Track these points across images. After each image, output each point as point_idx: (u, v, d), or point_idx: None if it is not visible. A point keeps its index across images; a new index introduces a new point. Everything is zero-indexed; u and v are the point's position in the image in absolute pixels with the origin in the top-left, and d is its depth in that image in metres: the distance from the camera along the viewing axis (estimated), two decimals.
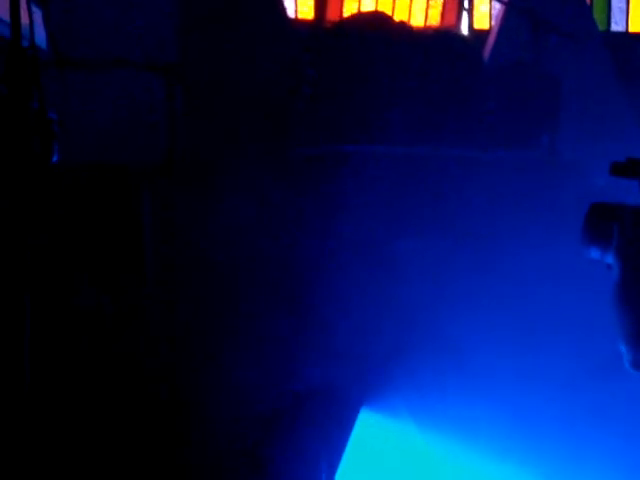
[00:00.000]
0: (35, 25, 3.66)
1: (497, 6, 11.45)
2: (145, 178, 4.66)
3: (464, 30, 14.89)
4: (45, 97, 3.71)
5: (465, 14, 14.79)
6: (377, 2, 14.57)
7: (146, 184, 4.62)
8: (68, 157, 4.45)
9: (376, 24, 6.59)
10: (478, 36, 10.29)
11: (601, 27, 12.64)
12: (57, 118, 3.95)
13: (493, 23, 9.02)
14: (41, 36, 4.25)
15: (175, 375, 4.55)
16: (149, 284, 4.56)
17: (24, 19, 3.58)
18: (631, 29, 14.49)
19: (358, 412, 4.78)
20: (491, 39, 8.44)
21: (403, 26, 7.64)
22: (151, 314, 4.53)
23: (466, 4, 14.68)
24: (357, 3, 14.48)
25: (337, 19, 11.42)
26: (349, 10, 14.38)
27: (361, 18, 8.23)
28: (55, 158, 3.92)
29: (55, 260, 4.26)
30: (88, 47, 5.78)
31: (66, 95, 4.24)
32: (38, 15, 4.25)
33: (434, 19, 14.68)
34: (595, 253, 2.28)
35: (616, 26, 14.42)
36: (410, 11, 14.72)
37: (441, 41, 6.88)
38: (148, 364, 4.46)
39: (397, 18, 14.69)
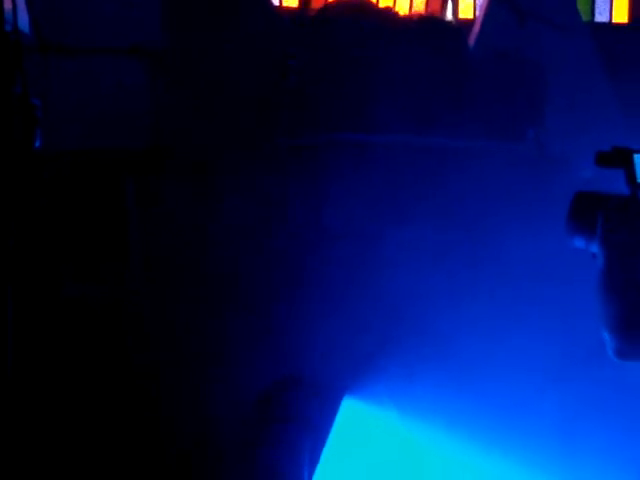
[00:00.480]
0: (18, 10, 3.63)
1: None
2: (129, 165, 4.64)
3: (449, 18, 14.86)
4: (28, 82, 3.68)
5: (450, 3, 14.76)
6: None
7: (130, 171, 4.59)
8: (51, 143, 4.42)
9: (360, 10, 6.57)
10: (462, 26, 10.25)
11: (585, 18, 12.63)
12: (40, 103, 3.91)
13: (477, 13, 9.00)
14: (24, 21, 4.21)
15: (162, 369, 4.53)
16: (135, 274, 4.54)
17: (7, 4, 3.55)
18: (615, 19, 14.50)
19: (341, 401, 4.78)
20: (475, 29, 8.42)
21: (388, 12, 7.61)
22: (138, 306, 4.51)
23: None
24: None
25: (321, 6, 11.37)
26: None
27: (345, 4, 8.20)
28: (38, 144, 3.89)
29: (38, 249, 4.23)
30: (72, 33, 5.73)
31: (49, 81, 4.21)
32: (21, 0, 4.21)
33: (419, 7, 14.64)
34: (580, 242, 2.28)
35: (600, 16, 14.43)
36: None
37: (426, 28, 6.87)
38: (135, 358, 4.44)
39: (382, 3, 14.65)
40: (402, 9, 14.63)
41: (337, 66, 5.80)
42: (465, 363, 4.87)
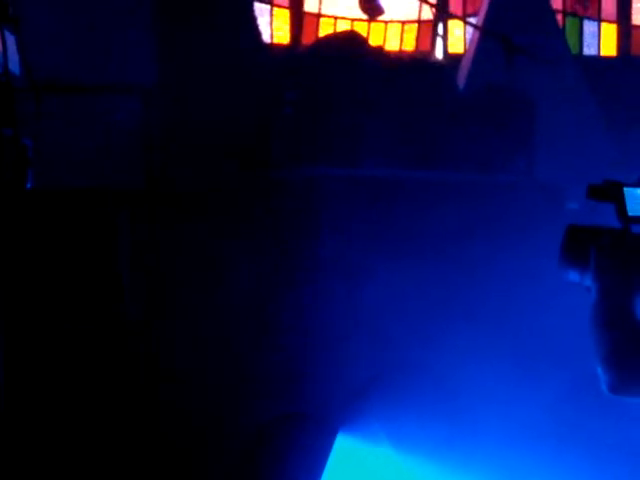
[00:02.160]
0: (8, 51, 3.64)
1: (471, 30, 11.53)
2: (122, 204, 4.63)
3: (439, 54, 14.98)
4: (19, 123, 3.68)
5: (439, 38, 14.87)
6: (352, 26, 14.63)
7: (123, 210, 4.59)
8: (43, 183, 4.42)
9: (352, 44, 6.61)
10: (453, 60, 10.34)
11: (573, 51, 12.73)
12: (31, 144, 3.92)
13: (467, 47, 9.07)
14: (15, 62, 4.23)
15: (154, 402, 4.51)
16: (128, 312, 4.52)
17: None
18: (603, 53, 14.61)
19: (335, 436, 4.76)
20: (464, 63, 8.48)
21: (378, 49, 7.67)
22: (132, 344, 4.49)
23: (440, 30, 14.78)
24: (333, 28, 14.53)
25: (313, 42, 11.44)
26: (325, 34, 14.42)
27: (336, 38, 8.25)
28: (29, 184, 3.89)
29: (30, 287, 4.22)
30: (63, 72, 5.75)
31: (40, 121, 4.21)
32: (11, 41, 4.23)
33: (409, 44, 14.76)
34: (574, 276, 2.27)
35: (588, 50, 14.54)
36: (385, 36, 14.79)
37: (416, 66, 6.91)
38: (128, 391, 4.42)
39: (372, 42, 14.75)
40: (392, 46, 14.74)
41: (328, 101, 5.82)
42: (459, 395, 4.85)
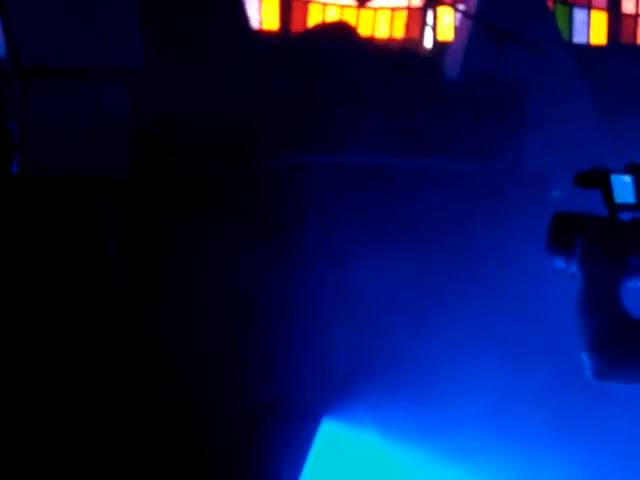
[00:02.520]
0: None
1: (461, 17, 11.51)
2: (108, 190, 4.62)
3: (428, 42, 14.97)
4: (5, 107, 3.65)
5: (428, 26, 14.85)
6: (342, 13, 14.60)
7: (109, 196, 4.57)
8: (29, 167, 4.40)
9: (341, 33, 6.59)
10: (442, 48, 10.32)
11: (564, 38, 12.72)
12: (17, 128, 3.89)
13: (456, 35, 9.06)
14: (1, 46, 4.20)
15: (144, 391, 4.51)
16: (115, 296, 4.51)
17: None
18: (593, 41, 14.62)
19: (320, 422, 4.77)
20: (454, 51, 8.46)
21: (367, 39, 7.66)
22: (119, 329, 4.48)
23: (430, 20, 14.76)
24: (322, 14, 14.50)
25: (302, 30, 11.43)
26: (314, 21, 14.39)
27: (325, 28, 8.23)
28: (15, 169, 3.87)
29: (12, 276, 4.20)
30: (50, 56, 5.72)
31: (27, 105, 4.19)
32: None
33: (398, 31, 14.74)
34: (560, 263, 2.28)
35: (578, 38, 14.54)
36: (374, 22, 14.76)
37: (406, 55, 6.89)
38: (118, 380, 4.42)
39: (361, 29, 14.74)
40: (381, 34, 14.72)
41: (318, 90, 5.81)
42: (448, 383, 4.87)
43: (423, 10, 14.74)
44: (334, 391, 4.84)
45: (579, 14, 14.65)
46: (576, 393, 4.30)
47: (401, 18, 14.84)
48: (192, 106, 5.96)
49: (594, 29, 14.68)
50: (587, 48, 14.22)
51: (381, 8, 14.54)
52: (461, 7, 9.47)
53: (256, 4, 13.93)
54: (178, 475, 4.53)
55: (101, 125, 5.86)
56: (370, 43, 7.24)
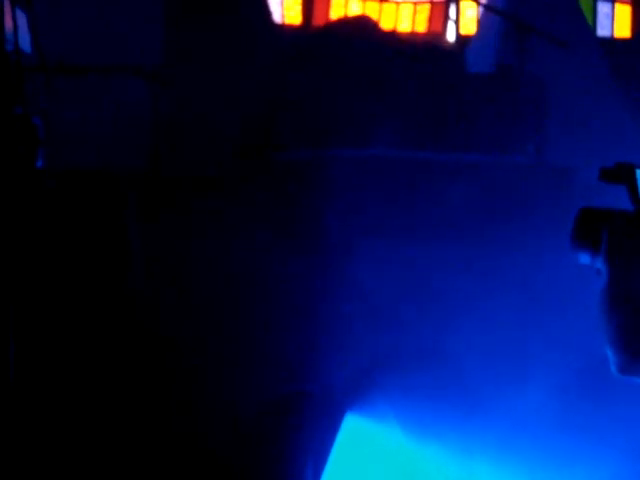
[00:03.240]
0: (19, 30, 3.64)
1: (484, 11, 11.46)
2: (129, 185, 4.64)
3: (451, 36, 14.93)
4: (30, 102, 3.68)
5: (451, 20, 14.80)
6: (364, 7, 14.58)
7: (130, 191, 4.60)
8: (53, 162, 4.42)
9: (362, 26, 6.58)
10: (465, 41, 10.28)
11: None
12: (41, 123, 3.92)
13: (479, 28, 9.02)
14: (26, 41, 4.22)
15: (166, 380, 4.54)
16: (137, 286, 4.54)
17: (8, 23, 3.55)
18: (616, 34, 14.53)
19: (344, 416, 4.77)
20: (476, 45, 8.43)
21: (388, 32, 7.64)
22: (141, 325, 4.50)
23: (452, 14, 14.71)
24: (344, 8, 14.48)
25: (323, 24, 11.41)
26: (336, 15, 14.37)
27: (347, 21, 8.21)
28: (40, 163, 3.89)
29: (39, 269, 4.23)
30: (73, 53, 5.75)
31: (50, 100, 4.22)
32: (23, 19, 4.22)
33: (421, 25, 14.70)
34: (584, 258, 2.28)
35: (602, 31, 14.46)
36: (397, 17, 14.73)
37: (427, 49, 6.87)
38: (139, 368, 4.44)
39: (384, 23, 14.71)
40: (404, 27, 14.68)
41: (338, 82, 5.80)
42: (469, 379, 4.86)
43: (446, 4, 14.71)
44: (356, 386, 4.84)
45: (603, 7, 14.58)
46: (601, 390, 4.29)
47: (424, 12, 14.80)
48: (212, 101, 5.98)
49: (618, 22, 14.59)
50: (611, 41, 14.13)
51: (404, 2, 14.52)
52: (484, 0, 9.43)
53: None
54: (200, 470, 4.55)
55: (122, 121, 5.89)
56: (391, 36, 7.22)
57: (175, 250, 4.77)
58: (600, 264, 2.22)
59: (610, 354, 2.10)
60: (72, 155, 5.47)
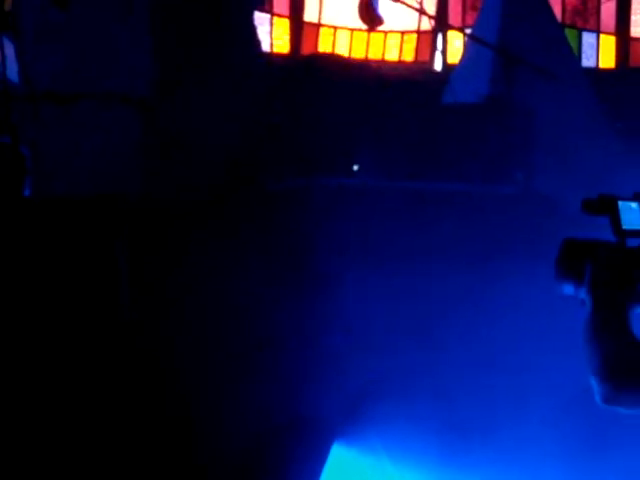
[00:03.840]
0: (7, 59, 3.65)
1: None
2: (119, 213, 4.64)
3: (438, 65, 15.03)
4: (17, 132, 3.69)
5: (438, 50, 14.90)
6: (352, 36, 14.67)
7: (121, 219, 4.60)
8: (41, 191, 4.43)
9: (346, 63, 6.62)
10: (452, 71, 10.35)
11: None
12: (29, 153, 3.93)
13: (465, 58, 9.10)
14: (13, 71, 4.24)
15: (156, 412, 4.52)
16: (126, 315, 4.53)
17: None
18: (601, 65, 14.66)
19: (331, 446, 4.76)
20: (462, 74, 8.48)
21: (374, 68, 7.68)
22: (130, 346, 4.49)
23: (440, 43, 14.83)
24: (332, 37, 14.57)
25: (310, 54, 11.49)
26: (325, 44, 14.47)
27: (332, 55, 8.25)
28: (27, 192, 3.90)
29: (25, 297, 4.22)
30: (62, 81, 5.76)
31: (38, 129, 4.23)
32: (10, 49, 4.24)
33: (408, 54, 14.81)
34: (568, 289, 2.29)
35: (587, 62, 14.59)
36: (384, 46, 14.83)
37: (414, 77, 6.91)
38: (128, 397, 4.43)
39: (372, 53, 14.81)
40: (392, 57, 14.78)
41: (322, 110, 5.83)
42: (460, 406, 4.86)
43: (433, 34, 14.82)
44: (345, 413, 4.83)
45: (588, 38, 14.72)
46: (591, 415, 4.29)
47: (411, 41, 14.92)
48: (201, 129, 5.99)
49: (603, 53, 14.73)
50: (596, 71, 14.25)
51: (391, 32, 14.62)
52: (469, 31, 9.50)
53: (267, 28, 14.01)
54: None
55: (111, 148, 5.90)
56: (377, 70, 7.25)
57: (164, 276, 4.77)
58: (584, 294, 2.23)
59: (594, 384, 2.11)
60: (62, 183, 5.47)
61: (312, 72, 6.15)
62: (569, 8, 14.78)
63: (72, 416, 4.23)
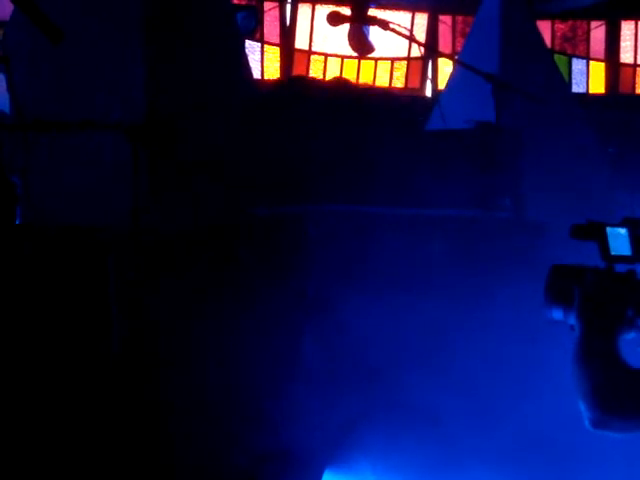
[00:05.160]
0: None
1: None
2: (109, 242, 4.64)
3: (428, 91, 15.11)
4: (7, 161, 3.69)
5: (429, 76, 14.97)
6: (342, 64, 14.75)
7: (110, 248, 4.59)
8: (31, 220, 4.42)
9: (337, 86, 6.63)
10: (439, 96, 10.39)
11: None
12: (20, 182, 3.93)
13: (452, 83, 9.16)
14: (4, 100, 4.25)
15: (145, 446, 4.50)
16: (115, 348, 4.52)
17: None
18: (591, 90, 14.74)
19: (321, 475, 4.74)
20: (450, 99, 8.52)
21: (365, 91, 7.70)
22: (121, 389, 4.48)
23: (430, 70, 14.91)
24: (323, 65, 14.64)
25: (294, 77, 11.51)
26: (315, 72, 14.54)
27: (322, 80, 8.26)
28: (17, 222, 3.90)
29: (13, 328, 4.21)
30: (52, 109, 5.77)
31: (29, 158, 4.23)
32: (1, 79, 4.25)
33: (399, 81, 14.88)
34: (557, 314, 2.31)
35: (577, 87, 14.68)
36: (375, 73, 14.90)
37: (400, 103, 6.93)
38: (116, 433, 4.41)
39: (362, 80, 14.87)
40: (382, 83, 14.85)
41: (313, 138, 5.84)
42: (451, 433, 4.84)
43: (423, 61, 14.90)
44: (335, 443, 4.81)
45: (578, 64, 14.81)
46: (584, 438, 4.28)
47: (401, 68, 15.00)
48: (193, 156, 6.00)
49: (593, 79, 14.82)
50: (586, 97, 14.34)
51: (381, 59, 14.70)
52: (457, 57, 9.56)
53: (258, 55, 14.09)
54: None
55: (103, 177, 5.90)
56: (367, 93, 7.27)
57: (155, 307, 4.76)
58: (573, 320, 2.25)
59: (584, 409, 2.12)
60: (52, 213, 5.47)
61: (294, 93, 6.15)
62: (559, 34, 14.87)
63: (60, 449, 4.21)
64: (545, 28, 14.63)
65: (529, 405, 4.86)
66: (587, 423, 2.09)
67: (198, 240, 4.84)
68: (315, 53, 14.13)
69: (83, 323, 4.45)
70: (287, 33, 14.52)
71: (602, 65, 14.94)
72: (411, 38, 10.44)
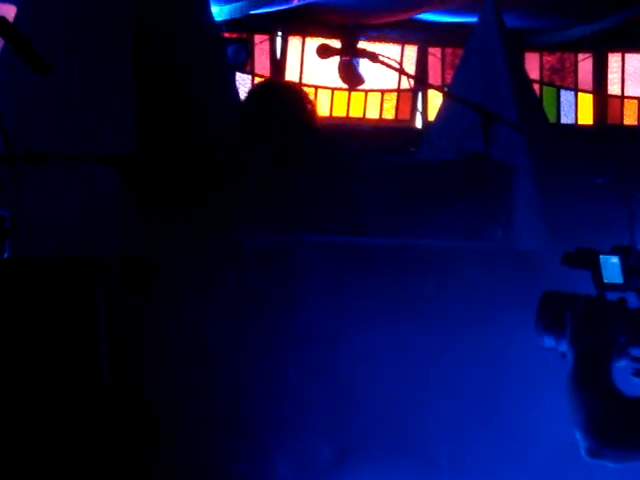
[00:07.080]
0: None
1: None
2: (100, 273, 4.62)
3: (418, 123, 15.17)
4: None
5: (419, 108, 15.04)
6: (333, 96, 14.81)
7: (101, 279, 4.57)
8: (20, 253, 4.41)
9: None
10: (429, 127, 10.44)
11: (551, 119, 12.91)
12: (8, 215, 3.92)
13: (442, 114, 9.21)
14: None
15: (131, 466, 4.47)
16: (106, 379, 4.49)
17: None
18: (580, 122, 14.83)
19: None
20: (440, 131, 8.56)
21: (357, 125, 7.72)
22: (111, 412, 4.45)
23: (420, 101, 14.98)
24: (313, 96, 14.67)
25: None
26: None
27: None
28: (6, 255, 3.89)
29: (5, 359, 4.18)
30: (41, 142, 5.77)
31: (18, 191, 4.22)
32: None
33: (389, 113, 14.94)
34: (549, 341, 2.30)
35: (565, 119, 14.77)
36: (365, 104, 14.96)
37: (390, 133, 6.95)
38: (107, 456, 4.37)
39: (353, 112, 14.93)
40: (372, 115, 14.91)
41: (293, 167, 5.84)
42: (440, 468, 4.81)
43: (413, 93, 14.97)
44: (325, 476, 4.78)
45: (566, 96, 14.90)
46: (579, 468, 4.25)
47: (391, 100, 15.06)
48: (184, 189, 6.00)
49: (581, 110, 14.90)
50: (574, 128, 14.42)
51: (371, 91, 14.76)
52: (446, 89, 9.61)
53: (248, 88, 14.12)
54: None
55: (93, 210, 5.89)
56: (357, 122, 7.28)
57: (146, 337, 4.74)
58: (564, 347, 2.24)
59: (579, 438, 2.10)
60: (42, 245, 5.45)
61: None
62: (547, 66, 14.97)
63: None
64: (533, 60, 14.73)
65: (523, 438, 4.83)
66: (583, 452, 2.08)
67: (190, 270, 4.83)
68: (306, 85, 14.17)
69: (72, 357, 4.42)
70: (277, 65, 14.58)
71: (590, 97, 15.03)
72: (401, 70, 10.49)
